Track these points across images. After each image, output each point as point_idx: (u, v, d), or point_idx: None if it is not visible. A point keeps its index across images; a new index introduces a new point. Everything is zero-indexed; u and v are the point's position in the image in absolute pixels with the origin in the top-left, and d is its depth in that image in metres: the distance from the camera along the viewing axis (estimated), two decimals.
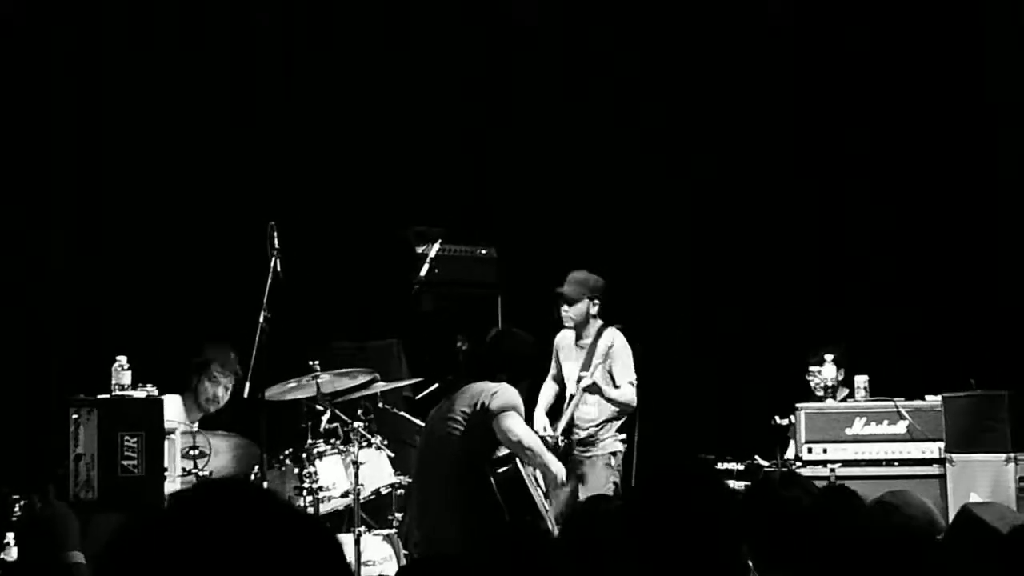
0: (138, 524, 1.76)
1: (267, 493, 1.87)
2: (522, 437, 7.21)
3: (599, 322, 9.01)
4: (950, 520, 4.87)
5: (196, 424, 8.28)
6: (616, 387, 8.83)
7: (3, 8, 9.73)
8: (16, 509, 6.38)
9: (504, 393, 7.25)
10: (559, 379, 9.24)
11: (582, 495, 8.59)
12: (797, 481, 4.24)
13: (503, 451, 7.35)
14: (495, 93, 11.14)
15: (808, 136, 10.96)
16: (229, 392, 8.38)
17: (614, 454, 8.92)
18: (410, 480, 8.14)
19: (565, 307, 9.00)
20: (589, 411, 8.91)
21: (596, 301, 8.99)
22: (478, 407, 7.22)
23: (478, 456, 7.24)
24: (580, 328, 9.05)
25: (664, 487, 3.23)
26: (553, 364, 9.25)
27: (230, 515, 1.74)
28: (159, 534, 1.73)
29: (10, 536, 6.07)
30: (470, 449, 7.21)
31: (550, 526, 7.17)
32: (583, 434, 8.92)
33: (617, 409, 8.92)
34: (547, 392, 9.21)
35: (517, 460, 7.33)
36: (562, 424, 8.82)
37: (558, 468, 7.44)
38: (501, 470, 7.30)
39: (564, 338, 9.23)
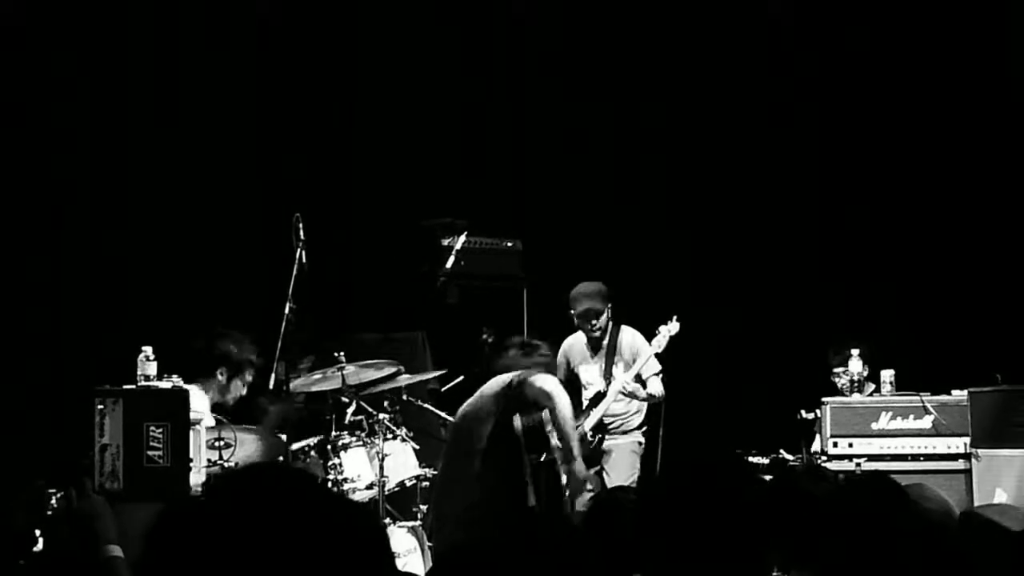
0: (184, 505, 1.75)
1: (313, 479, 1.87)
2: (553, 393, 7.30)
3: (610, 323, 9.11)
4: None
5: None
6: (644, 382, 8.90)
7: (3, 8, 9.74)
8: (52, 502, 6.39)
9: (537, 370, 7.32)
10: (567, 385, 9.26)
11: (608, 482, 8.63)
12: (821, 474, 4.20)
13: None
14: (521, 87, 11.15)
15: (833, 127, 10.94)
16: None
17: (640, 443, 9.00)
18: (435, 472, 8.16)
19: (594, 321, 9.04)
20: (616, 406, 8.97)
21: (610, 304, 9.07)
22: (511, 382, 7.28)
23: (505, 433, 7.30)
24: (603, 334, 9.10)
25: (689, 475, 3.21)
26: (560, 373, 9.21)
27: (278, 498, 1.74)
28: (206, 515, 1.73)
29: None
30: (498, 421, 7.28)
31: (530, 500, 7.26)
32: (610, 425, 8.98)
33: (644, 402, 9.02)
34: None
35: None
36: (592, 421, 8.85)
37: (580, 463, 7.46)
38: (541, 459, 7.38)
39: (574, 345, 9.26)
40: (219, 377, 8.19)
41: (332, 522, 1.74)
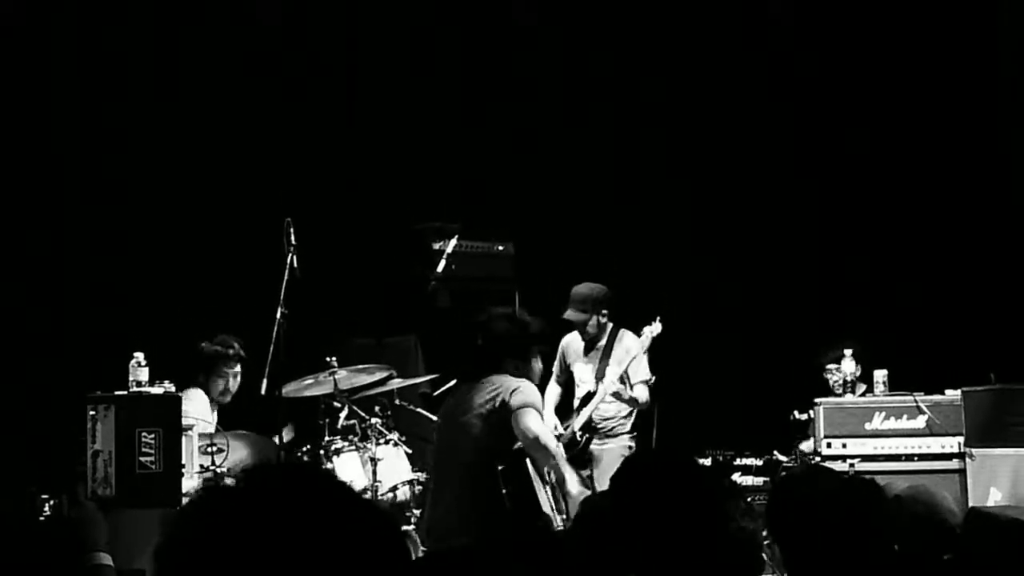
0: (208, 497, 1.74)
1: (341, 482, 1.86)
2: (540, 435, 7.02)
3: (610, 325, 9.03)
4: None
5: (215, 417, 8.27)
6: (631, 386, 8.85)
7: (3, 8, 9.72)
8: (45, 509, 6.37)
9: (524, 390, 7.07)
10: (563, 382, 9.22)
11: (597, 485, 8.56)
12: (822, 474, 4.12)
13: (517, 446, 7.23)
14: (511, 89, 11.13)
15: (821, 128, 10.94)
16: (239, 378, 8.34)
17: (629, 447, 8.94)
18: (427, 476, 8.09)
19: (583, 328, 9.00)
20: (607, 408, 8.91)
21: (604, 311, 8.99)
22: (497, 403, 7.04)
23: (494, 452, 7.09)
24: (598, 336, 9.05)
25: (632, 479, 3.22)
26: (557, 367, 9.19)
27: (304, 495, 1.73)
28: (231, 508, 1.72)
29: None
30: (487, 445, 7.05)
31: (555, 521, 7.06)
32: (600, 428, 8.93)
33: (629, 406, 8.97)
34: (552, 394, 9.15)
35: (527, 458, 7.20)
36: (581, 420, 8.79)
37: (574, 483, 7.21)
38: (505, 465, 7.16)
39: (572, 341, 9.21)
40: (201, 380, 8.20)
41: (357, 526, 1.73)
